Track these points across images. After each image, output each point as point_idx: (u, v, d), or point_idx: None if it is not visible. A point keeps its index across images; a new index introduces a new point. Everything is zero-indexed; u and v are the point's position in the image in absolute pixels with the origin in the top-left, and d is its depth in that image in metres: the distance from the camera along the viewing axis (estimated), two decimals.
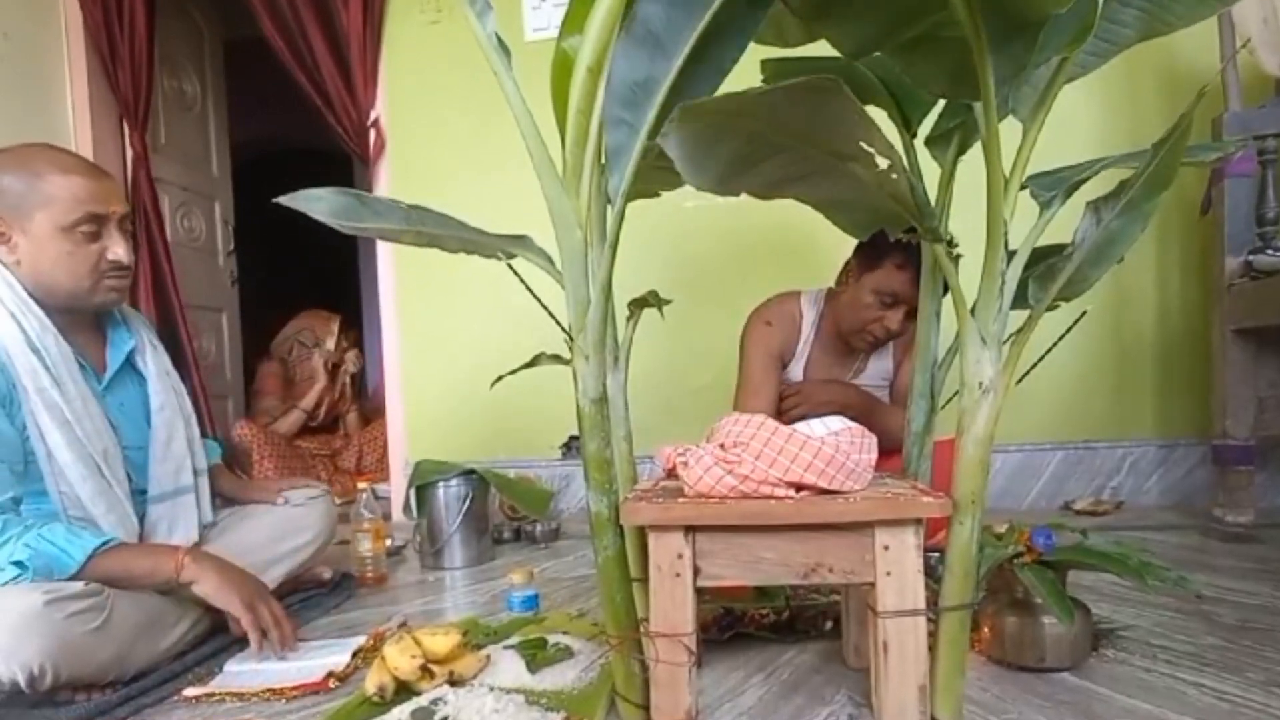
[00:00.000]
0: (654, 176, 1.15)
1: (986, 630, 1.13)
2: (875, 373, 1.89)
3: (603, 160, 0.90)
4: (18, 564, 1.08)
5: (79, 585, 1.08)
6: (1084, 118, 2.30)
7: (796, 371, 1.89)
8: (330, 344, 3.36)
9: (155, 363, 1.40)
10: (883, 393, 1.90)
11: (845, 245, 1.65)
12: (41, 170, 1.20)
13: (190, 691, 1.14)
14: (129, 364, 1.37)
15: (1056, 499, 2.34)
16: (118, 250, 1.25)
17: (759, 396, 1.84)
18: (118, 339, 1.35)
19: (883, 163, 0.76)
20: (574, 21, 0.89)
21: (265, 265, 4.52)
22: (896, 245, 1.49)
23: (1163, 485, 2.31)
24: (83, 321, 1.31)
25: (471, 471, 2.02)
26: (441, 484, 1.98)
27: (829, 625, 1.27)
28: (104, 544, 1.13)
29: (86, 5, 2.78)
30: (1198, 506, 2.15)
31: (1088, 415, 2.35)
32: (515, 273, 1.01)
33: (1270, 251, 1.81)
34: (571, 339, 0.95)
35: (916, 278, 1.39)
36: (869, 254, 1.69)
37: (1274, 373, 1.88)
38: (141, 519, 1.31)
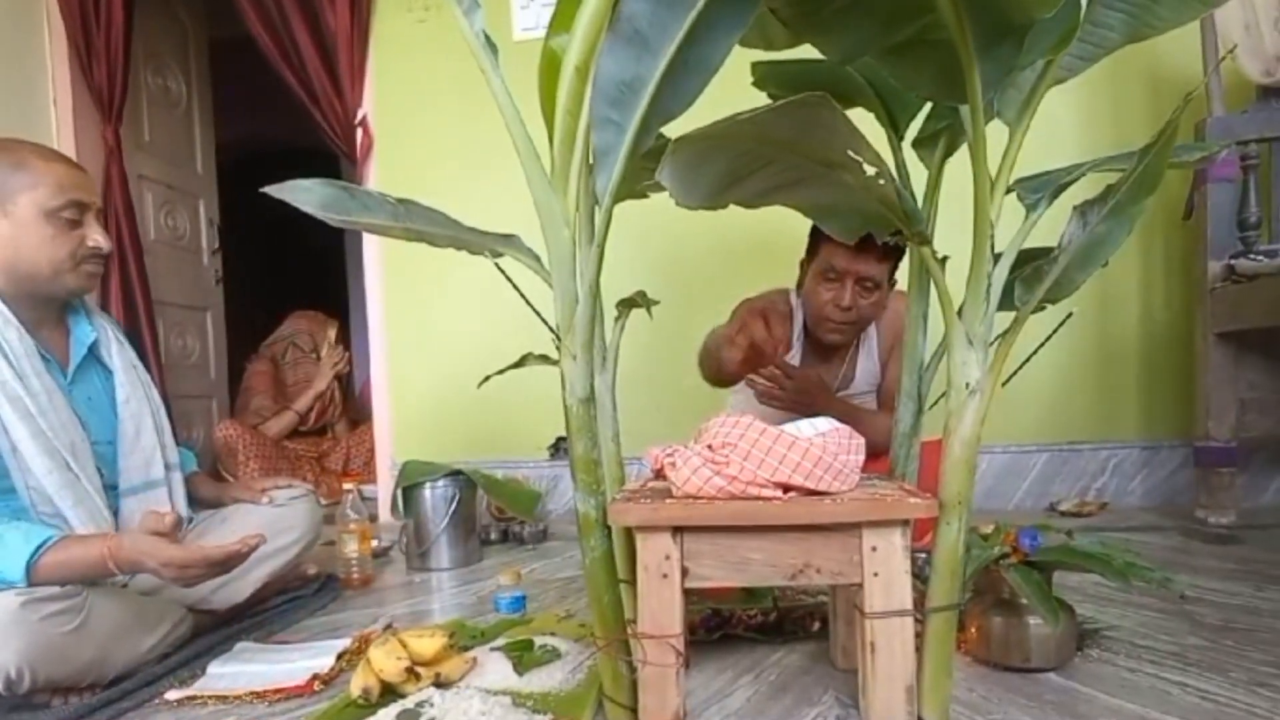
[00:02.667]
0: (643, 178, 1.15)
1: (972, 631, 1.13)
2: (864, 378, 1.87)
3: (590, 160, 0.90)
4: None
5: (55, 587, 1.06)
6: (1068, 122, 2.32)
7: None
8: (328, 349, 3.33)
9: (121, 356, 1.39)
10: (872, 398, 1.89)
11: None
12: (26, 157, 1.22)
13: (172, 694, 1.13)
14: (94, 357, 1.36)
15: (1042, 500, 2.36)
16: (97, 237, 1.27)
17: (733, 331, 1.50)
18: (80, 332, 1.34)
19: (870, 170, 0.76)
20: (561, 20, 0.89)
21: (252, 265, 4.48)
22: None
23: (1146, 486, 2.33)
24: (46, 315, 1.30)
25: (459, 472, 2.01)
26: (429, 485, 1.97)
27: (816, 626, 1.27)
28: (37, 550, 1.06)
29: None
30: (1180, 507, 2.18)
31: (1072, 417, 2.37)
32: (503, 272, 1.01)
33: (1252, 256, 1.83)
34: (559, 339, 0.94)
35: (861, 245, 1.41)
36: (809, 244, 1.73)
37: (1256, 375, 1.90)
38: (116, 514, 1.30)
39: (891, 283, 1.70)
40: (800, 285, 1.80)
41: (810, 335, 1.83)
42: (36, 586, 1.06)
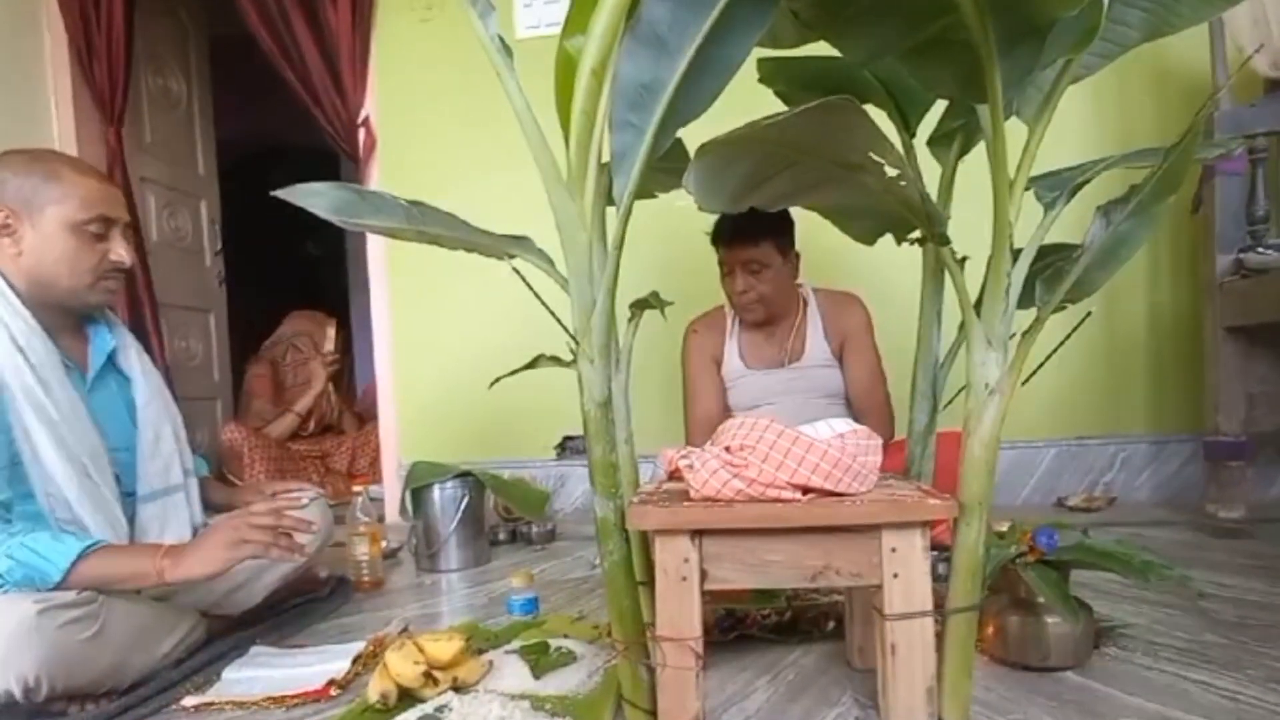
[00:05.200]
0: (651, 178, 1.14)
1: (990, 630, 1.13)
2: (816, 353, 1.91)
3: (603, 160, 0.89)
4: None
5: (72, 594, 1.06)
6: (1074, 118, 2.31)
7: (734, 360, 1.96)
8: (328, 348, 3.29)
9: (141, 363, 1.40)
10: (833, 371, 1.91)
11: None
12: (58, 169, 1.23)
13: (189, 700, 1.13)
14: (111, 365, 1.36)
15: (1050, 495, 2.36)
16: (120, 252, 1.28)
17: (700, 399, 1.98)
18: (99, 339, 1.34)
19: (892, 172, 0.76)
20: (577, 22, 0.88)
21: (253, 265, 4.47)
22: (717, 225, 1.75)
23: (1154, 481, 2.33)
24: (67, 322, 1.30)
25: (468, 473, 2.00)
26: (438, 486, 1.97)
27: (831, 626, 1.27)
28: (87, 548, 1.10)
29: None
30: (1189, 502, 2.18)
31: (1080, 412, 2.37)
32: (522, 277, 1.00)
33: (1261, 249, 1.83)
34: (577, 342, 0.94)
35: (732, 238, 1.73)
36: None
37: (1265, 369, 1.90)
38: (132, 520, 1.29)
39: (783, 250, 1.79)
40: None
41: (746, 324, 1.95)
42: (65, 590, 1.06)
